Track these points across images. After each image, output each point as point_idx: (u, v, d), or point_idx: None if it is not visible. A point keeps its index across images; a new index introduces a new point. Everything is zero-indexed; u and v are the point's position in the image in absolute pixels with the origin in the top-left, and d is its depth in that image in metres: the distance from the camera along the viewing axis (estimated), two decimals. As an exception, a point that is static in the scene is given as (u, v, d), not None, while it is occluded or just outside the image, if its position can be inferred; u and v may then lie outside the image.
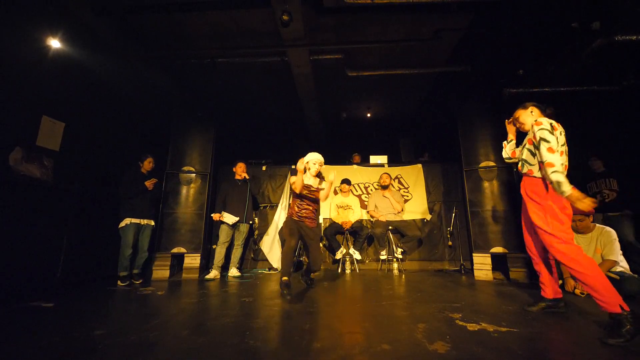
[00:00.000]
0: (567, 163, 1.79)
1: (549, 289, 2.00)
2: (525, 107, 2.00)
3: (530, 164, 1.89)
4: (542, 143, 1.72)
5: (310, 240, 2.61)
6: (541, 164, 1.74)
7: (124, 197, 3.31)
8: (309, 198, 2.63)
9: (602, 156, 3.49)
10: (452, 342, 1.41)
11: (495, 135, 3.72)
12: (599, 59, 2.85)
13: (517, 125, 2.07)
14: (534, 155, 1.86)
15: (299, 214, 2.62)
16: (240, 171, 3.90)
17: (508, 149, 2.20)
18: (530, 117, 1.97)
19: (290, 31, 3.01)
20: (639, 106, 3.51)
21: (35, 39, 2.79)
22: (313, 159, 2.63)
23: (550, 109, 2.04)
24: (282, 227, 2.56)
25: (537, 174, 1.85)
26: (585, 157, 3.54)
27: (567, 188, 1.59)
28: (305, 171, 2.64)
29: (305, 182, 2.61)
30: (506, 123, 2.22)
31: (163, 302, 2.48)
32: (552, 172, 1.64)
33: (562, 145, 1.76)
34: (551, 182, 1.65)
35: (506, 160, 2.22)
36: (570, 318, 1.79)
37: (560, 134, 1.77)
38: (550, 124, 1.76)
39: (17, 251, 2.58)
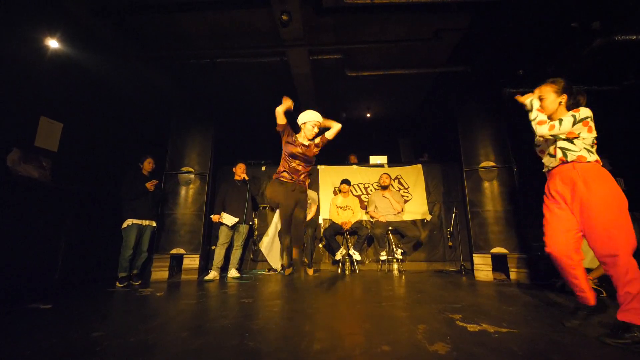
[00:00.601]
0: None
1: (591, 293, 1.68)
2: (556, 89, 1.73)
3: (576, 151, 1.63)
4: (564, 120, 1.61)
5: (300, 208, 2.32)
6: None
7: (125, 199, 3.31)
8: (302, 158, 2.36)
9: (607, 155, 3.46)
10: (453, 343, 1.41)
11: (495, 136, 3.72)
12: (599, 59, 2.86)
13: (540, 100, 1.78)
14: (571, 141, 1.65)
15: (292, 175, 2.33)
16: (240, 172, 3.90)
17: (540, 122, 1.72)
18: (554, 108, 1.74)
19: (289, 31, 3.01)
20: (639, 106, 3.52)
21: (34, 39, 2.79)
22: (311, 121, 2.32)
23: (584, 98, 1.79)
24: (270, 193, 2.32)
25: (591, 157, 1.61)
26: None
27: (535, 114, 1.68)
28: (300, 130, 2.38)
29: (300, 141, 2.36)
30: (519, 98, 1.85)
31: (162, 303, 2.47)
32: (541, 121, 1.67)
33: (595, 137, 1.64)
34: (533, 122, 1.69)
35: (549, 136, 1.72)
36: (572, 320, 1.78)
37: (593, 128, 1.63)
38: (587, 116, 1.61)
39: (16, 252, 2.58)
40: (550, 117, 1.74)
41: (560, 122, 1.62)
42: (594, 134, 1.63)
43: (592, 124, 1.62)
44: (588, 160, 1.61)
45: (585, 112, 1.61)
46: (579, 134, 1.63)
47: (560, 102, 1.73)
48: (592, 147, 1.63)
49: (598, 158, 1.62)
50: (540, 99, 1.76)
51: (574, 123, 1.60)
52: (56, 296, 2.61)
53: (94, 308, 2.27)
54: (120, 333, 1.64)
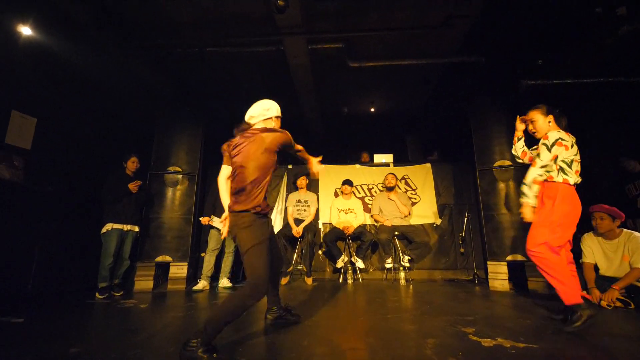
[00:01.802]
0: (579, 169, 2.02)
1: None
2: (543, 112, 2.14)
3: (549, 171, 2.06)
4: (536, 159, 2.05)
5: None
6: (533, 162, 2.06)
7: (106, 201, 3.30)
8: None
9: (634, 155, 3.48)
10: (465, 359, 1.41)
11: (512, 132, 3.69)
12: (625, 47, 2.86)
13: (530, 128, 2.23)
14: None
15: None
16: None
17: (518, 147, 2.39)
18: (546, 127, 2.13)
19: (286, 17, 3.01)
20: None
21: (3, 25, 2.77)
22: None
23: (565, 120, 2.15)
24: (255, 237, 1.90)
25: (558, 177, 2.03)
26: (608, 156, 3.55)
27: (523, 200, 2.06)
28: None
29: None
30: (518, 119, 2.36)
31: (146, 316, 2.46)
32: (523, 182, 2.06)
33: (575, 154, 2.02)
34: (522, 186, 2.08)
35: (517, 159, 2.44)
36: (595, 333, 1.78)
37: (572, 145, 2.01)
38: (557, 139, 1.99)
39: (-15, 260, 2.57)
40: (544, 137, 2.10)
41: (539, 156, 2.03)
42: (572, 152, 2.00)
43: (565, 142, 1.99)
44: (554, 180, 2.02)
45: (553, 135, 2.01)
46: (557, 155, 2.01)
47: (550, 122, 2.13)
48: (569, 166, 2.00)
49: (566, 179, 2.00)
50: (532, 121, 2.19)
51: (549, 149, 2.00)
52: (29, 309, 2.60)
53: (72, 321, 2.26)
54: (100, 349, 1.63)
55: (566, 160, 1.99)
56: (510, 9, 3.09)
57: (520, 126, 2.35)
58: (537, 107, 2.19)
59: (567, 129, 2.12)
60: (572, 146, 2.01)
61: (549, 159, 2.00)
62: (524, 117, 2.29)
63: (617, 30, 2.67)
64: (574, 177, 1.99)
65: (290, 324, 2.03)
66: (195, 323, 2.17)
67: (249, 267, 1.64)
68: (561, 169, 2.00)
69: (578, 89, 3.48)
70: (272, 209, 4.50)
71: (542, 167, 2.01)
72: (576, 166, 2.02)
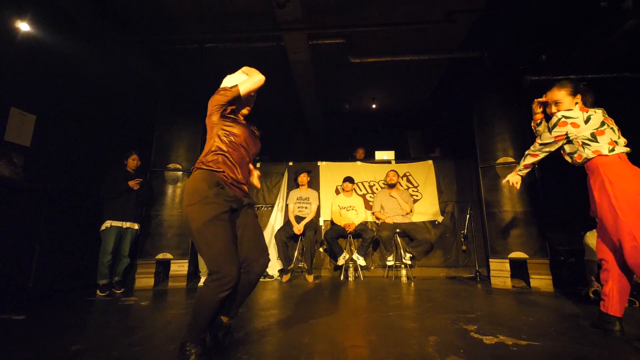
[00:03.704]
0: (615, 138, 1.78)
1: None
2: (569, 92, 1.90)
3: (587, 153, 1.82)
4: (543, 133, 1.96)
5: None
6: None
7: (106, 198, 3.31)
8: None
9: None
10: (467, 357, 1.41)
11: (515, 128, 3.70)
12: (631, 42, 2.84)
13: (553, 110, 1.96)
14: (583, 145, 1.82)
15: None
16: None
17: (542, 131, 2.02)
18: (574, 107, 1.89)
19: (286, 12, 2.99)
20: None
21: (2, 22, 2.77)
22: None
23: (591, 96, 1.93)
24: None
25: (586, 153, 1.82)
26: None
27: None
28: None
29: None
30: (535, 103, 2.09)
31: (147, 313, 2.48)
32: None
33: (598, 127, 1.79)
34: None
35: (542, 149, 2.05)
36: (597, 331, 1.78)
37: (587, 120, 1.79)
38: (560, 118, 1.86)
39: (-15, 258, 2.58)
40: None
41: (541, 137, 1.99)
42: (590, 126, 1.79)
43: (574, 120, 1.81)
44: (584, 157, 1.83)
45: (558, 115, 1.86)
46: (565, 133, 1.86)
47: (577, 103, 1.88)
48: (593, 140, 1.78)
49: (597, 149, 1.78)
50: (557, 103, 1.94)
51: (550, 130, 1.90)
52: (30, 306, 2.62)
53: (73, 319, 2.27)
54: (101, 346, 1.64)
55: (584, 136, 1.78)
56: (514, 3, 3.07)
57: (537, 109, 2.08)
58: (561, 85, 1.92)
59: (593, 106, 1.89)
60: (586, 121, 1.78)
61: (548, 138, 1.92)
62: (542, 99, 2.03)
63: (622, 24, 2.65)
64: (606, 147, 1.73)
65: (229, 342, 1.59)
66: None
67: (203, 249, 1.36)
68: (584, 144, 1.79)
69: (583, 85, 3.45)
70: (272, 207, 4.51)
71: (541, 144, 1.96)
72: (606, 137, 1.76)
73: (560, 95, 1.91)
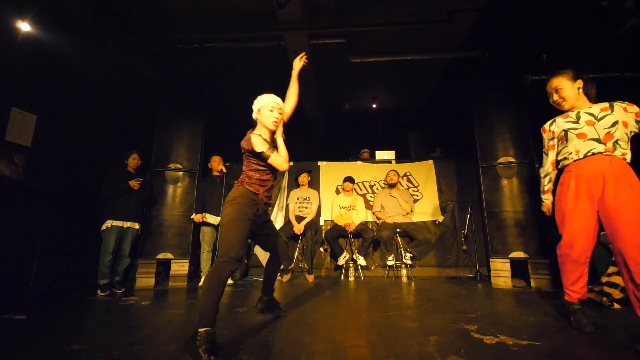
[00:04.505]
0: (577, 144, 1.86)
1: None
2: (569, 77, 1.87)
3: (624, 148, 1.76)
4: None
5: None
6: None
7: (107, 198, 3.32)
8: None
9: None
10: (467, 357, 1.41)
11: (515, 128, 3.70)
12: (632, 41, 2.83)
13: (555, 99, 1.92)
14: (628, 139, 1.77)
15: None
16: (216, 165, 3.92)
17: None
18: (575, 94, 1.87)
19: (286, 12, 2.99)
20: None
21: (2, 22, 2.77)
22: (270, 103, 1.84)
23: (594, 88, 1.90)
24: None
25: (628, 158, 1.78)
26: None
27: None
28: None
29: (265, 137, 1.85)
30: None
31: (148, 313, 2.48)
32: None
33: (574, 128, 1.85)
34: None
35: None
36: (600, 331, 1.78)
37: (577, 119, 1.85)
38: (541, 132, 1.99)
39: (-14, 258, 2.58)
40: (573, 107, 1.90)
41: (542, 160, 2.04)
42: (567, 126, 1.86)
43: (552, 128, 1.96)
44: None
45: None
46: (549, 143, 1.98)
47: (579, 88, 1.86)
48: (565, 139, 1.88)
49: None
50: (558, 90, 1.89)
51: (548, 141, 1.98)
52: (31, 306, 2.62)
53: (74, 318, 2.28)
54: (101, 346, 1.64)
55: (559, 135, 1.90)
56: (514, 3, 3.06)
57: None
58: (560, 73, 1.90)
59: (597, 99, 1.87)
60: (577, 119, 1.83)
61: (550, 160, 2.00)
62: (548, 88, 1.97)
63: (623, 24, 2.64)
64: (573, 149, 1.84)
65: (275, 316, 2.13)
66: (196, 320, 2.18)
67: (223, 238, 1.69)
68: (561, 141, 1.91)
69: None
70: (273, 207, 4.51)
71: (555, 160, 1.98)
72: (570, 143, 1.83)
73: (558, 81, 1.89)
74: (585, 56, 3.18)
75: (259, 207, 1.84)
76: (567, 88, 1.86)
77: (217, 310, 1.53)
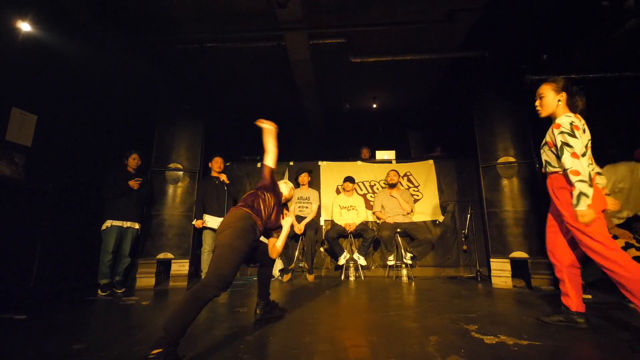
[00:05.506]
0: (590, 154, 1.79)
1: (574, 300, 1.88)
2: (554, 87, 1.85)
3: (554, 167, 1.85)
4: (564, 149, 1.69)
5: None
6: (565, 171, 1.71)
7: (107, 198, 3.32)
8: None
9: None
10: (467, 356, 1.41)
11: (516, 128, 3.70)
12: (633, 41, 2.83)
13: (536, 103, 1.94)
14: (558, 158, 1.76)
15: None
16: (217, 167, 3.93)
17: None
18: (553, 106, 1.85)
19: (287, 12, 2.99)
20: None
21: (3, 22, 2.77)
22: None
23: (582, 101, 1.83)
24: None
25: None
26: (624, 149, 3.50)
27: (586, 203, 1.60)
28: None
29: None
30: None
31: (148, 313, 2.49)
32: (577, 180, 1.62)
33: (588, 140, 1.74)
34: (572, 190, 1.65)
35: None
36: (599, 331, 1.79)
37: (584, 131, 1.74)
38: (571, 123, 1.71)
39: (-14, 257, 2.59)
40: (551, 116, 1.89)
41: (567, 146, 1.70)
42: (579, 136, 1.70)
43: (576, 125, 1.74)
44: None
45: (564, 123, 1.74)
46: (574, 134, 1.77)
47: (559, 100, 1.84)
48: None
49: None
50: (540, 97, 1.91)
51: (572, 134, 1.70)
52: (31, 306, 2.63)
53: (74, 318, 2.28)
54: (102, 346, 1.65)
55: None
56: (514, 3, 3.06)
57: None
58: (552, 80, 1.88)
59: (584, 112, 1.82)
60: (584, 131, 1.74)
61: (579, 144, 1.66)
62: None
63: (624, 24, 2.64)
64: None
65: (276, 317, 2.14)
66: (196, 320, 2.18)
67: (217, 259, 1.64)
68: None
69: (583, 84, 3.45)
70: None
71: (580, 158, 1.65)
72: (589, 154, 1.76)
73: (543, 89, 1.89)
74: (586, 56, 3.17)
75: (257, 233, 1.89)
76: (547, 97, 1.87)
77: (184, 332, 1.37)
